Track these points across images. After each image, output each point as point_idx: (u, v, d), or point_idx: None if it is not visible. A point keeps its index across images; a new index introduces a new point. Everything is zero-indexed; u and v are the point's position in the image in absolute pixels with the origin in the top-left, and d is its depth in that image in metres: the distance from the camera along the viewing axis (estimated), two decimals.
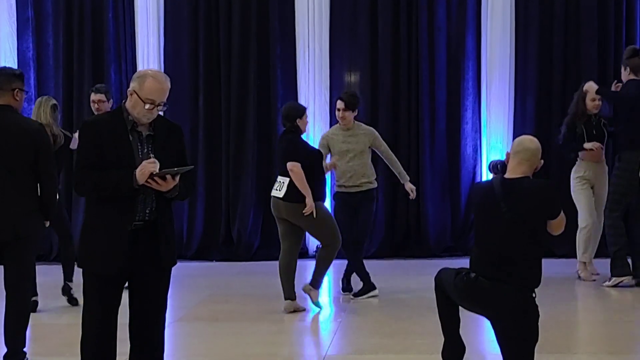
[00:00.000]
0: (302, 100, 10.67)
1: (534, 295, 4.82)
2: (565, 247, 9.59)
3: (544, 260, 4.89)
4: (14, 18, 10.98)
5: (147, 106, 4.31)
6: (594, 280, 8.65)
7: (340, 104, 8.00)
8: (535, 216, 4.81)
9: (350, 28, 10.88)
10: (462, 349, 5.24)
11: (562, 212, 4.89)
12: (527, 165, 4.95)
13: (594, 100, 8.54)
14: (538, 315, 4.80)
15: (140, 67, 10.67)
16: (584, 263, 8.72)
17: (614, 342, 6.36)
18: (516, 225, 4.78)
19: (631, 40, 10.57)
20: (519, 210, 4.79)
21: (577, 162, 8.75)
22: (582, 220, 8.63)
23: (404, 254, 10.74)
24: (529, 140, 5.05)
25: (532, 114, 10.66)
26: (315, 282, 7.53)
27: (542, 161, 5.06)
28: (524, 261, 4.80)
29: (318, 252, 7.66)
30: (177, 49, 11.02)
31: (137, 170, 4.23)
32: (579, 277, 8.75)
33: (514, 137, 8.24)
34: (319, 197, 7.40)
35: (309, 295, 7.50)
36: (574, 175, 8.75)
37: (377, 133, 8.26)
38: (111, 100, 8.47)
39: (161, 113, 4.47)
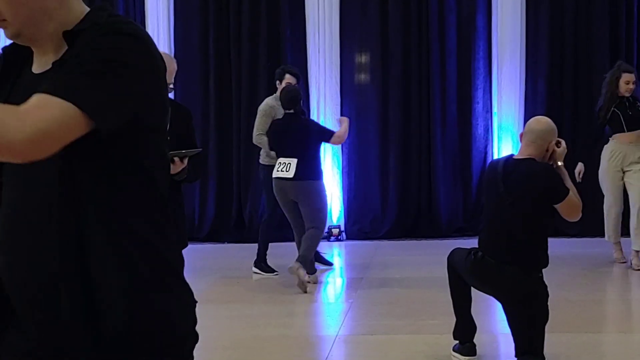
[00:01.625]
0: (312, 82, 10.67)
1: (540, 275, 4.80)
2: (576, 227, 9.56)
3: (555, 240, 4.87)
4: None
5: None
6: (624, 262, 8.44)
7: (292, 79, 8.22)
8: (533, 199, 4.72)
9: (360, 9, 10.83)
10: (473, 329, 5.24)
11: (569, 197, 4.73)
12: (534, 147, 4.83)
13: (627, 83, 8.27)
14: (547, 296, 4.76)
15: None
16: (616, 244, 8.52)
17: (625, 321, 6.35)
18: (513, 206, 4.73)
19: None
20: (515, 192, 4.74)
21: (609, 142, 8.45)
22: (605, 202, 8.45)
23: (416, 234, 10.72)
24: (536, 122, 4.95)
25: (543, 93, 10.60)
26: (304, 260, 7.43)
27: (561, 141, 4.87)
28: (526, 242, 4.75)
29: (307, 232, 7.61)
30: (187, 32, 11.01)
31: None
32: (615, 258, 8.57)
33: (526, 118, 8.19)
34: (321, 175, 7.69)
35: (297, 274, 7.35)
36: (603, 154, 8.46)
37: None
38: None
39: (172, 95, 4.47)
